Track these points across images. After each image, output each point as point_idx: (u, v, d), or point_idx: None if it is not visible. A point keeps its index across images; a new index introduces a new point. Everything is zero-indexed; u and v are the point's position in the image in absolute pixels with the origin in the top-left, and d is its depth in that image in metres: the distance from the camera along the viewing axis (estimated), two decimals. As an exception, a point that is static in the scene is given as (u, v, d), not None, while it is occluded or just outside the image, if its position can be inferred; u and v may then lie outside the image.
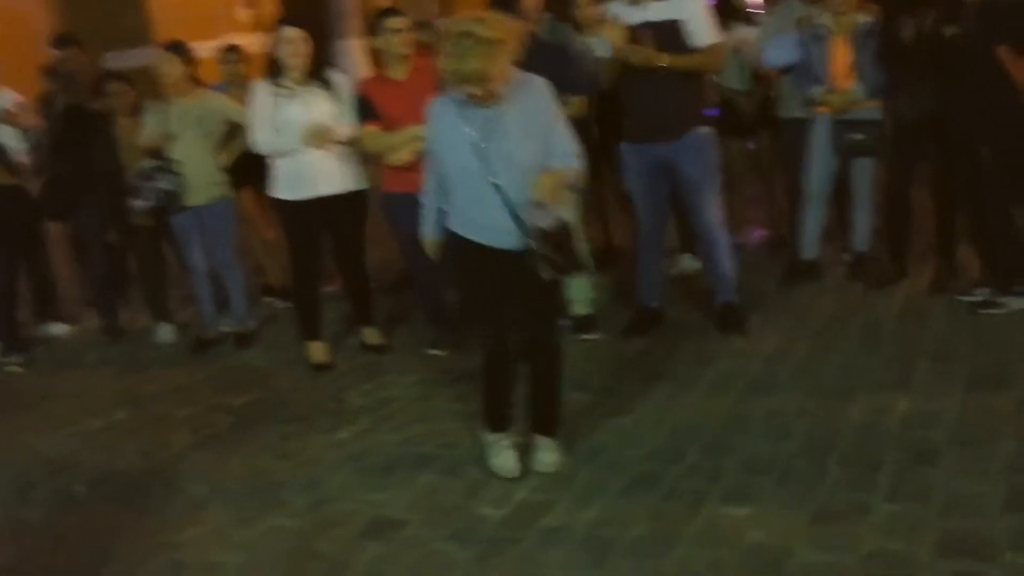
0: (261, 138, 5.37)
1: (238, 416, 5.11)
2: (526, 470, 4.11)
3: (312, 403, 5.15)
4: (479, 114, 3.71)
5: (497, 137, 3.71)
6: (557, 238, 3.67)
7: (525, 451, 4.19)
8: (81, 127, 6.27)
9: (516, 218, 3.73)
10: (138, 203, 5.85)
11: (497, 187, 3.72)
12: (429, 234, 4.13)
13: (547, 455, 4.15)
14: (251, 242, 6.90)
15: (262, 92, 5.37)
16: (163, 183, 5.79)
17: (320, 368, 5.57)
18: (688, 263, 6.35)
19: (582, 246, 3.82)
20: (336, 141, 5.31)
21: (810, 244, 5.88)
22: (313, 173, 5.34)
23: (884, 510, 3.51)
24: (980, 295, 5.19)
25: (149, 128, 5.87)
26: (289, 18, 6.77)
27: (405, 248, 5.60)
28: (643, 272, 5.48)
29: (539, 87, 3.79)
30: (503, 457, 4.13)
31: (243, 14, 14.64)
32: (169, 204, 5.84)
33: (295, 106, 5.28)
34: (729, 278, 5.34)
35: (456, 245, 3.98)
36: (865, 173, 5.69)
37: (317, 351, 5.64)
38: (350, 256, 5.67)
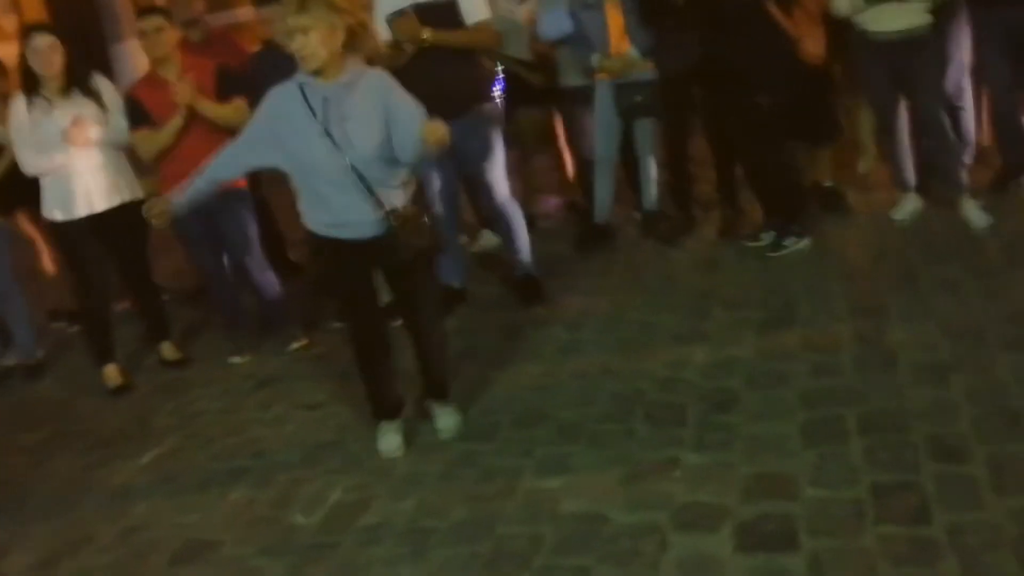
0: (24, 158, 5.06)
1: (34, 453, 4.82)
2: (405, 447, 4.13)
3: (114, 429, 4.90)
4: (320, 96, 3.68)
5: (340, 119, 3.67)
6: (411, 216, 3.77)
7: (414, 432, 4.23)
8: None
9: (372, 196, 3.72)
10: None
11: (353, 167, 3.68)
12: (176, 202, 3.98)
13: (446, 419, 4.19)
14: (31, 266, 6.51)
15: (19, 108, 5.04)
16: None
17: (118, 391, 5.31)
18: (487, 239, 6.35)
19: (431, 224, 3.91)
20: (98, 138, 5.05)
21: (602, 208, 5.98)
22: (84, 189, 5.07)
23: (692, 462, 3.61)
24: (765, 239, 5.39)
25: None
26: (48, 24, 6.41)
27: (194, 255, 5.43)
28: (444, 252, 5.44)
29: (378, 77, 3.79)
30: (385, 439, 4.13)
31: (4, 22, 13.81)
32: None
33: (56, 118, 4.98)
34: (526, 250, 5.40)
35: (315, 244, 3.97)
36: (647, 133, 5.81)
37: (113, 374, 5.37)
38: (135, 271, 5.42)
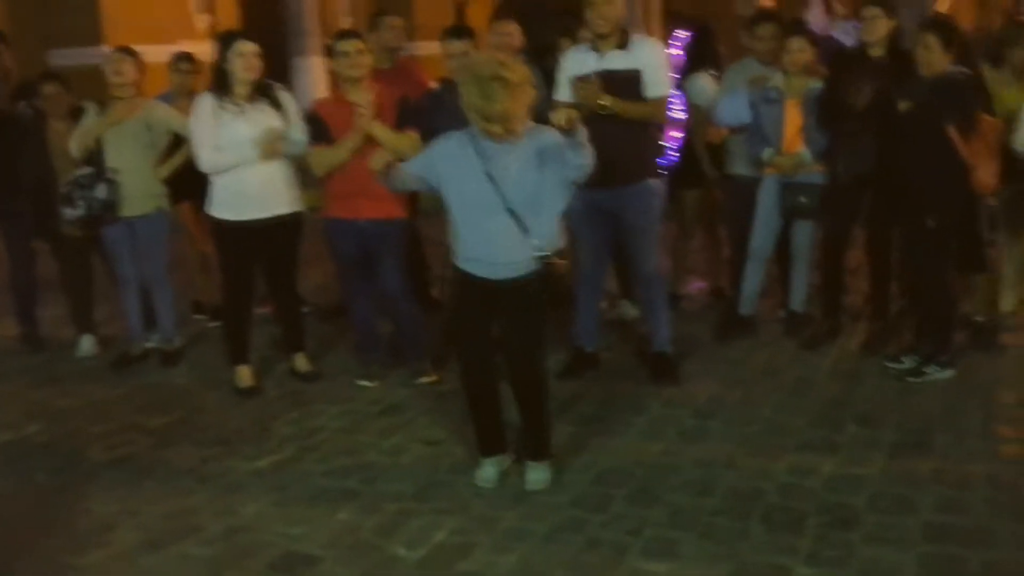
0: (203, 156, 5.25)
1: (157, 436, 4.97)
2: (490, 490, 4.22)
3: (235, 428, 5.03)
4: (489, 147, 3.95)
5: (503, 167, 3.94)
6: (555, 267, 4.01)
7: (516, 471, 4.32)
8: (2, 133, 6.06)
9: (526, 236, 3.95)
10: (69, 212, 5.69)
11: (510, 210, 3.94)
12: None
13: (535, 473, 4.24)
14: (185, 257, 6.76)
15: (206, 107, 5.22)
16: (98, 192, 5.64)
17: (246, 392, 5.44)
18: (626, 309, 6.34)
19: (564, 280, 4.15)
20: (282, 153, 5.22)
21: (748, 300, 5.91)
22: (254, 193, 5.23)
23: (802, 574, 3.50)
24: (908, 362, 5.24)
25: (82, 130, 5.71)
26: (245, 30, 6.70)
27: (341, 275, 5.55)
28: (581, 315, 5.46)
29: (552, 139, 4.00)
30: (483, 470, 4.28)
31: (200, 20, 14.47)
32: (102, 214, 5.69)
33: (241, 123, 5.17)
34: (665, 328, 5.36)
35: (458, 277, 4.20)
36: (805, 234, 5.76)
37: (244, 374, 5.51)
38: (283, 279, 5.57)
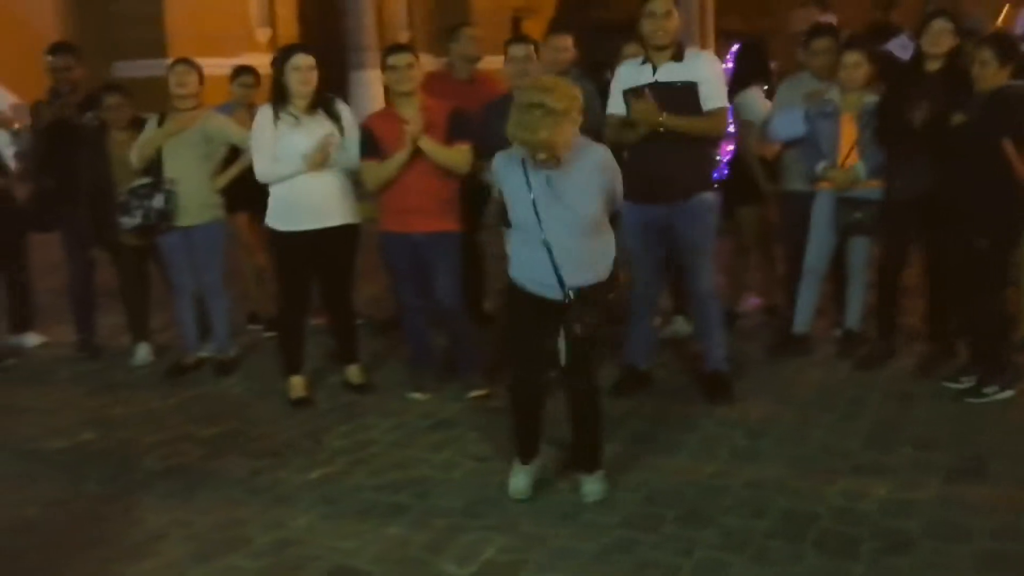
0: (260, 166, 5.31)
1: (209, 446, 5.01)
2: (531, 497, 4.27)
3: (287, 439, 5.05)
4: (541, 173, 3.94)
5: (554, 198, 3.94)
6: (594, 296, 3.98)
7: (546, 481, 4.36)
8: (66, 142, 6.18)
9: (559, 278, 3.96)
10: (126, 220, 5.78)
11: (547, 245, 3.94)
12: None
13: (592, 485, 4.25)
14: (241, 267, 6.83)
15: (265, 118, 5.30)
16: (155, 202, 5.72)
17: (299, 403, 5.47)
18: (680, 326, 6.30)
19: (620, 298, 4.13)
20: (332, 163, 5.25)
21: (803, 319, 5.85)
22: (310, 205, 5.27)
23: (857, 601, 3.45)
24: (966, 382, 5.15)
25: (142, 140, 5.80)
26: (302, 44, 6.77)
27: (396, 288, 5.56)
28: (634, 332, 5.42)
29: (601, 155, 4.03)
30: (516, 479, 4.29)
31: (261, 34, 14.65)
32: (159, 223, 5.77)
33: (297, 134, 5.22)
34: (720, 346, 5.31)
35: (511, 288, 4.21)
36: (862, 251, 5.69)
37: (297, 385, 5.54)
38: (338, 291, 5.59)
